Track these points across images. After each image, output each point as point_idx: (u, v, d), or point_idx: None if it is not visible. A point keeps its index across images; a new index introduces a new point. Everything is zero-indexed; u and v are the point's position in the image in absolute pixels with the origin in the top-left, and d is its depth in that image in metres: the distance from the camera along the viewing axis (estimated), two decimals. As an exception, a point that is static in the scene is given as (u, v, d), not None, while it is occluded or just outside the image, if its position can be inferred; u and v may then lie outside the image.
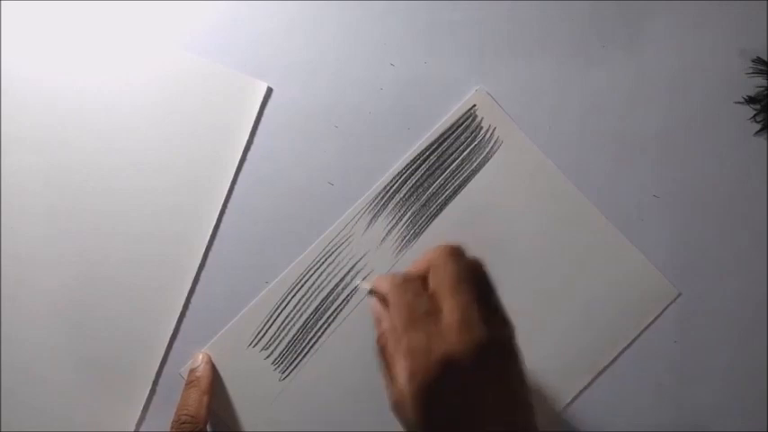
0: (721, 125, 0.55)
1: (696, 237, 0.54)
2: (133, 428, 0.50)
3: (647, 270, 0.53)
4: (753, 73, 0.55)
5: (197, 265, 0.52)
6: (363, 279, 0.52)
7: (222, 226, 0.52)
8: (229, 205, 0.52)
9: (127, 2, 0.53)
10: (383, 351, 0.41)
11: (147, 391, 0.50)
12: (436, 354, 0.37)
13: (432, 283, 0.41)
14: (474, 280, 0.41)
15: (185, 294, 0.51)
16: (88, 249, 0.51)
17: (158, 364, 0.51)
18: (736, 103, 0.55)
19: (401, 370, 0.38)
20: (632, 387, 0.53)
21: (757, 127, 0.55)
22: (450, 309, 0.39)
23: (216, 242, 0.52)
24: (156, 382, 0.51)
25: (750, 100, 0.55)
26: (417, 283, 0.41)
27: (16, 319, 0.50)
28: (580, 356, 0.52)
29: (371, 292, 0.45)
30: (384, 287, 0.42)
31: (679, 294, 0.53)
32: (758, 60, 0.55)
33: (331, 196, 0.53)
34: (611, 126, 0.55)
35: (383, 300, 0.43)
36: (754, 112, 0.55)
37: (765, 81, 0.54)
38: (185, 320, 0.51)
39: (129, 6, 0.53)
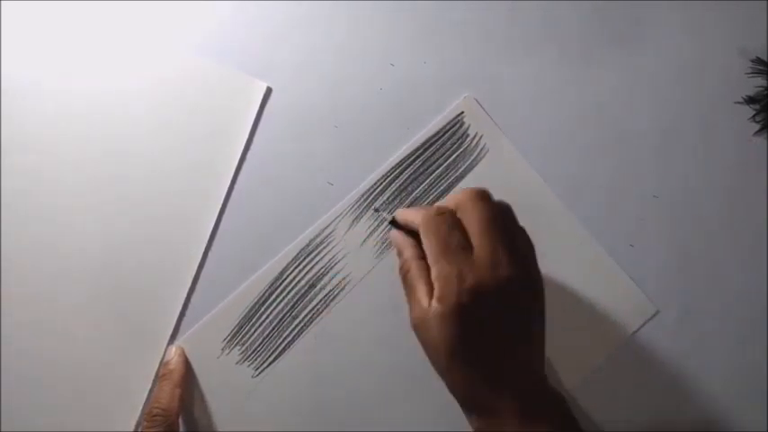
0: (721, 125, 0.55)
1: (696, 237, 0.54)
2: (133, 428, 0.50)
3: (629, 287, 0.53)
4: (753, 73, 0.55)
5: (196, 266, 0.52)
6: (380, 210, 0.52)
7: (222, 226, 0.52)
8: (229, 205, 0.52)
9: (127, 2, 0.53)
10: (405, 277, 0.43)
11: (147, 391, 0.50)
12: (467, 283, 0.40)
13: (462, 222, 0.43)
14: (502, 222, 0.43)
15: (185, 294, 0.51)
16: (87, 250, 0.51)
17: (158, 364, 0.51)
18: (736, 103, 0.55)
19: (423, 294, 0.41)
20: (631, 385, 0.53)
21: (757, 127, 0.55)
22: (482, 247, 0.41)
23: (216, 242, 0.52)
24: (155, 382, 0.51)
25: (750, 100, 0.55)
26: (451, 217, 0.43)
27: (15, 320, 0.51)
28: (554, 367, 0.52)
29: (394, 222, 0.47)
30: (417, 218, 0.44)
31: (657, 312, 0.53)
32: (758, 60, 0.55)
33: (330, 196, 0.53)
34: (610, 127, 0.55)
35: (407, 231, 0.45)
36: (754, 112, 0.55)
37: (765, 81, 0.54)
38: (185, 320, 0.51)
39: (129, 7, 0.53)
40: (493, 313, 0.41)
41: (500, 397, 0.40)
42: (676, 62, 0.55)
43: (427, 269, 0.42)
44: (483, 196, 0.43)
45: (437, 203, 0.45)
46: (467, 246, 0.41)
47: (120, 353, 0.51)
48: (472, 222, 0.42)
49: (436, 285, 0.41)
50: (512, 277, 0.41)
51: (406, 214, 0.46)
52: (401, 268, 0.44)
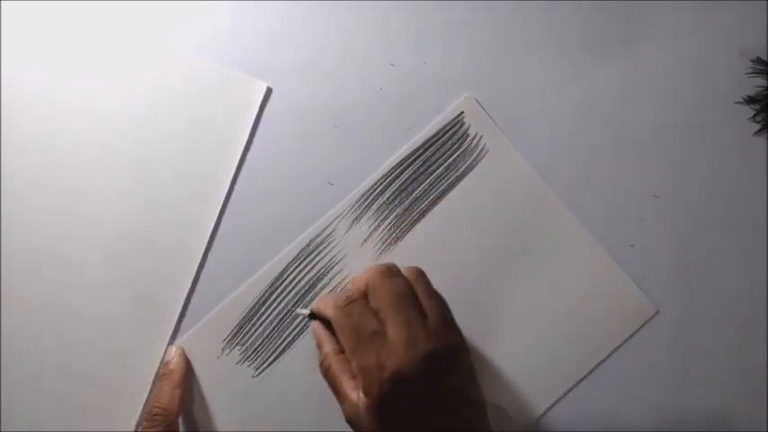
0: (721, 125, 0.55)
1: (696, 237, 0.54)
2: (133, 428, 0.50)
3: (628, 286, 0.53)
4: (753, 73, 0.55)
5: (196, 266, 0.52)
6: (301, 307, 0.52)
7: (222, 226, 0.52)
8: (229, 205, 0.52)
9: (127, 2, 0.53)
10: (327, 374, 0.44)
11: (147, 391, 0.50)
12: (388, 371, 0.40)
13: (372, 303, 0.43)
14: (411, 296, 0.43)
15: (185, 294, 0.51)
16: (86, 251, 0.51)
17: (158, 364, 0.51)
18: (736, 103, 0.55)
19: (350, 389, 0.42)
20: (631, 385, 0.53)
21: (757, 127, 0.55)
22: (395, 328, 0.41)
23: (216, 242, 0.52)
24: (155, 383, 0.51)
25: (750, 100, 0.55)
26: (361, 303, 0.43)
27: (15, 321, 0.51)
28: (553, 367, 0.52)
29: (312, 315, 0.48)
30: (328, 311, 0.44)
31: (657, 312, 0.53)
32: (758, 60, 0.55)
33: (330, 196, 0.53)
34: (610, 127, 0.55)
35: (325, 322, 0.46)
36: (754, 112, 0.55)
37: (765, 81, 0.54)
38: (185, 320, 0.51)
39: (129, 7, 0.53)
40: (419, 392, 0.40)
41: None
42: (676, 62, 0.55)
43: (348, 362, 0.43)
44: (389, 272, 0.44)
45: (347, 288, 0.45)
46: (380, 330, 0.41)
47: (120, 353, 0.51)
48: (381, 302, 0.42)
49: (358, 378, 0.41)
50: (431, 350, 0.41)
51: (319, 306, 0.46)
52: (321, 364, 0.45)
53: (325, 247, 0.52)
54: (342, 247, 0.52)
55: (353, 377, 0.42)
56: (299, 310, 0.51)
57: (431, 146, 0.54)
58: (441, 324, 0.43)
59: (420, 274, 0.45)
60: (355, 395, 0.41)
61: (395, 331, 0.41)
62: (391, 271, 0.44)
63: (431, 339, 0.41)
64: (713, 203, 0.54)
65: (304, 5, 0.54)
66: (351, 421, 0.42)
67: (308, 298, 0.52)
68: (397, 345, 0.40)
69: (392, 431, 0.40)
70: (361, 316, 0.42)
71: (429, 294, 0.44)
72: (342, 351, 0.44)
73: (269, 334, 0.52)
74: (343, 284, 0.52)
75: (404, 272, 0.45)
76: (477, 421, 0.42)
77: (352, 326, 0.42)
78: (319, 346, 0.46)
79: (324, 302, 0.46)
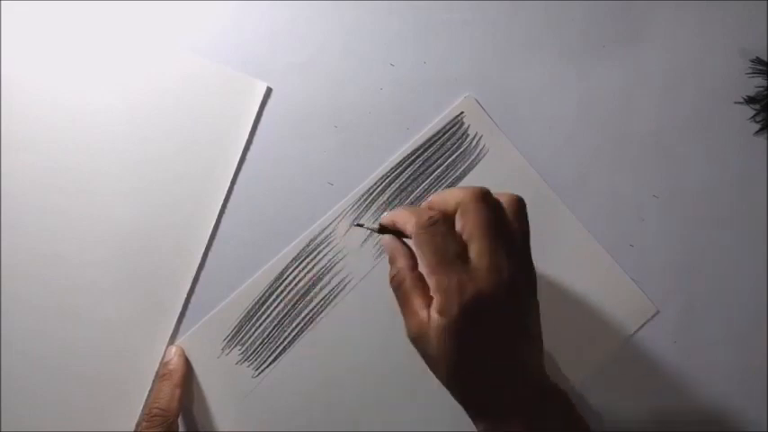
0: (721, 125, 0.55)
1: (696, 237, 0.54)
2: (133, 428, 0.50)
3: (628, 286, 0.53)
4: (753, 73, 0.55)
5: (196, 266, 0.52)
6: (361, 220, 0.51)
7: (222, 226, 0.52)
8: (229, 205, 0.52)
9: (127, 2, 0.53)
10: (399, 287, 0.43)
11: (147, 391, 0.50)
12: (468, 294, 0.40)
13: (459, 225, 0.42)
14: (501, 225, 0.42)
15: (185, 294, 0.51)
16: (86, 251, 0.51)
17: (158, 364, 0.51)
18: (736, 103, 0.55)
19: (420, 307, 0.41)
20: (631, 385, 0.53)
21: (757, 127, 0.55)
22: (479, 253, 0.41)
23: (216, 242, 0.52)
24: (155, 383, 0.51)
25: (750, 100, 0.55)
26: (444, 224, 0.42)
27: (15, 321, 0.51)
28: (553, 366, 0.52)
29: (382, 229, 0.45)
30: (409, 228, 0.43)
31: (657, 312, 0.53)
32: (758, 60, 0.55)
33: (330, 196, 0.53)
34: (610, 127, 0.55)
35: (399, 235, 0.44)
36: (754, 112, 0.55)
37: (765, 81, 0.54)
38: (185, 320, 0.51)
39: (129, 7, 0.53)
40: (494, 320, 0.40)
41: (504, 401, 0.41)
42: (676, 62, 0.55)
43: (422, 279, 0.42)
44: (484, 198, 0.42)
45: (431, 203, 0.44)
46: (463, 253, 0.41)
47: (120, 353, 0.51)
48: (471, 225, 0.41)
49: (436, 298, 0.40)
50: (511, 281, 0.41)
51: (396, 218, 0.45)
52: (393, 278, 0.44)
53: (325, 247, 0.52)
54: (342, 247, 0.52)
55: (424, 296, 0.42)
56: (365, 224, 0.50)
57: (431, 146, 0.54)
58: (524, 256, 0.43)
59: (517, 205, 0.43)
60: (425, 313, 0.41)
61: (479, 256, 0.41)
62: (485, 196, 0.43)
63: (514, 269, 0.41)
64: (713, 203, 0.54)
65: (304, 6, 0.54)
66: (415, 338, 0.42)
67: (308, 297, 0.52)
68: (480, 270, 0.40)
69: (458, 355, 0.40)
70: (445, 237, 0.41)
71: (519, 222, 0.43)
72: (415, 268, 0.43)
73: (269, 334, 0.52)
74: (343, 285, 0.52)
75: (503, 197, 0.44)
76: (537, 362, 0.42)
77: (436, 246, 0.41)
78: (392, 260, 0.44)
79: (403, 218, 0.43)
